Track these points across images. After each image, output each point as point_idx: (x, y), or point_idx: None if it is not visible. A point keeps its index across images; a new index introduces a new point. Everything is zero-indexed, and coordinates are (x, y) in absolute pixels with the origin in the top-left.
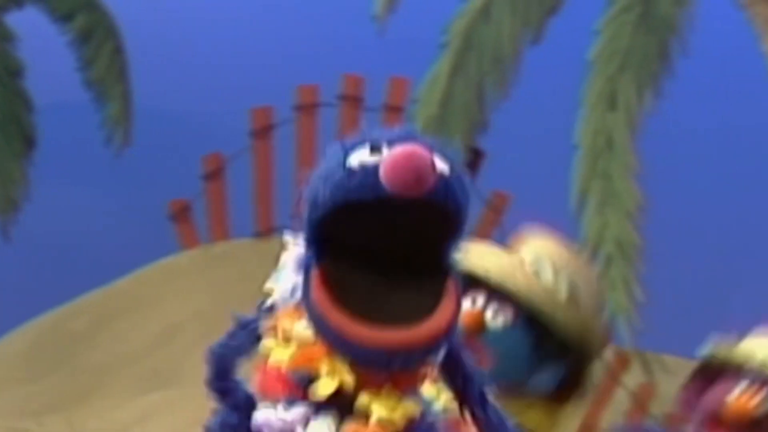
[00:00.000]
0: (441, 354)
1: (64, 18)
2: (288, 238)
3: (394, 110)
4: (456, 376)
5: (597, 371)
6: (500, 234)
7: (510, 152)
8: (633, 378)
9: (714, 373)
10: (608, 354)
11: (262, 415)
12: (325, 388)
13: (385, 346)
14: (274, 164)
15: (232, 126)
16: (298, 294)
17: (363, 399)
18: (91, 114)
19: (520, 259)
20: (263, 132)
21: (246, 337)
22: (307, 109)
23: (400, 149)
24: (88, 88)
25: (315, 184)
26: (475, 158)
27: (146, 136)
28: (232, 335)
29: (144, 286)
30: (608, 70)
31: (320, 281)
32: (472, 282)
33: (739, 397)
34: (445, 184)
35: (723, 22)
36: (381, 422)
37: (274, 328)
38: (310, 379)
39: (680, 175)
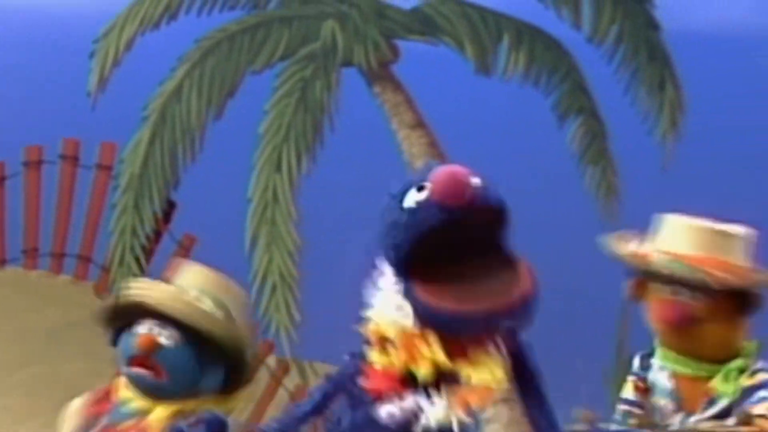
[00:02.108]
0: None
1: None
2: (380, 269)
3: (104, 169)
4: (524, 369)
5: (263, 376)
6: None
7: (198, 203)
8: (291, 381)
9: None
10: (272, 362)
11: (385, 410)
12: (425, 369)
13: (483, 312)
14: (5, 210)
15: None
16: (399, 311)
17: (463, 370)
18: None
19: (181, 289)
20: None
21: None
22: (33, 165)
23: (440, 172)
24: None
25: (387, 234)
26: (169, 208)
27: None
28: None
29: None
30: (275, 140)
31: (421, 288)
32: (145, 311)
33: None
34: (483, 191)
35: (363, 106)
36: (482, 382)
37: (375, 341)
38: (414, 372)
39: (331, 221)
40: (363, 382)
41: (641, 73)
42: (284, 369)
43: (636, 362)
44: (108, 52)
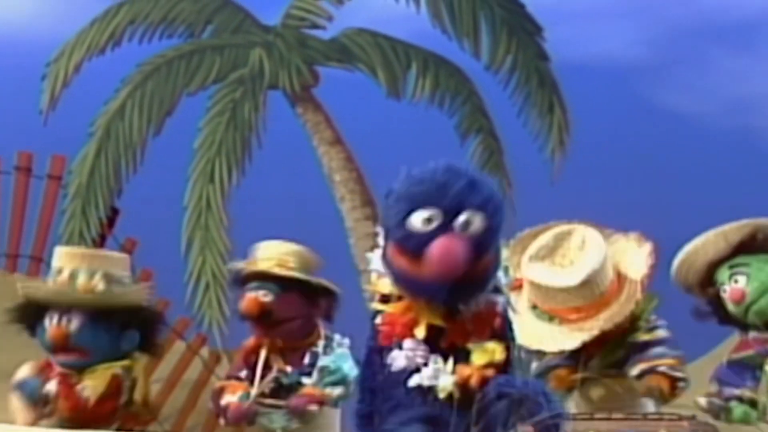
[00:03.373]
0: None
1: None
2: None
3: (54, 179)
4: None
5: (197, 365)
6: (131, 268)
7: (139, 210)
8: (223, 370)
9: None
10: (205, 353)
11: (393, 354)
12: (422, 330)
13: (436, 279)
14: None
15: None
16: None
17: (469, 348)
18: None
19: (57, 275)
20: None
21: None
22: None
23: (437, 249)
24: None
25: (389, 206)
26: (113, 214)
27: None
28: None
29: None
30: (208, 155)
31: (395, 251)
32: (42, 305)
33: (244, 300)
34: (477, 242)
35: (287, 124)
36: (481, 364)
37: (376, 293)
38: (415, 324)
39: (258, 227)
40: (378, 335)
41: (532, 98)
42: (216, 359)
43: None
44: (58, 75)
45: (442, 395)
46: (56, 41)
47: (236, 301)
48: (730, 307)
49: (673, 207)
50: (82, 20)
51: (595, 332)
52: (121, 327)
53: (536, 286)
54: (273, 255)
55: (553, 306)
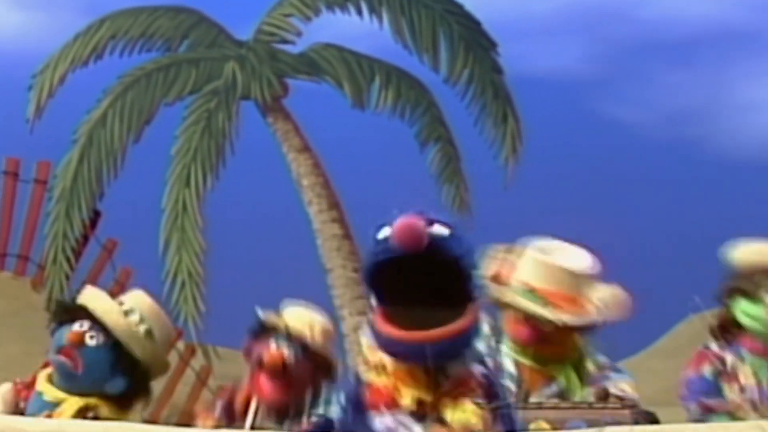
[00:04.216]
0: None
1: None
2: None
3: (40, 183)
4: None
5: (173, 358)
6: (112, 266)
7: (119, 213)
8: (197, 362)
9: (261, 334)
10: (180, 346)
11: (378, 422)
12: (407, 400)
13: (415, 341)
14: None
15: None
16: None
17: (443, 408)
18: None
19: (119, 302)
20: None
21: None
22: None
23: (399, 222)
24: None
25: (367, 256)
26: (95, 216)
27: None
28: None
29: None
30: (184, 161)
31: (381, 316)
32: (85, 313)
33: (271, 351)
34: (440, 242)
35: (258, 133)
36: (457, 423)
37: (367, 361)
38: (400, 396)
39: (231, 228)
40: (364, 396)
41: (488, 109)
42: (191, 352)
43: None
44: (44, 85)
45: None
46: (42, 54)
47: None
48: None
49: (616, 210)
50: (66, 35)
51: (596, 318)
52: (122, 368)
53: (544, 267)
54: (302, 319)
55: (554, 290)
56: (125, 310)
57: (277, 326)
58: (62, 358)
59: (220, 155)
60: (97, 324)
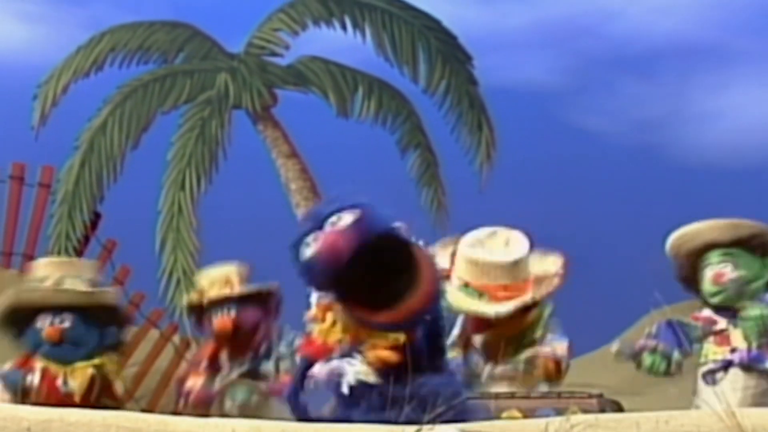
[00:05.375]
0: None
1: None
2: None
3: (44, 186)
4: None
5: (169, 351)
6: (112, 265)
7: (118, 215)
8: (192, 355)
9: (198, 314)
10: (176, 339)
11: (317, 368)
12: (335, 336)
13: (389, 322)
14: None
15: None
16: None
17: (370, 338)
18: None
19: (44, 280)
20: None
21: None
22: None
23: (317, 248)
24: None
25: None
26: (95, 218)
27: None
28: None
29: None
30: (179, 165)
31: (351, 306)
32: (36, 308)
33: (215, 325)
34: (356, 232)
35: (249, 139)
36: (380, 345)
37: (316, 317)
38: (337, 344)
39: (224, 230)
40: (305, 350)
41: (464, 118)
42: (186, 345)
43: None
44: (48, 95)
45: (359, 377)
46: (46, 66)
47: (198, 329)
48: (706, 285)
49: (583, 212)
50: (69, 48)
51: (527, 300)
52: (103, 324)
53: (473, 263)
54: (216, 279)
55: (486, 282)
56: (54, 282)
57: (202, 299)
58: (59, 349)
59: (213, 160)
60: (53, 310)
